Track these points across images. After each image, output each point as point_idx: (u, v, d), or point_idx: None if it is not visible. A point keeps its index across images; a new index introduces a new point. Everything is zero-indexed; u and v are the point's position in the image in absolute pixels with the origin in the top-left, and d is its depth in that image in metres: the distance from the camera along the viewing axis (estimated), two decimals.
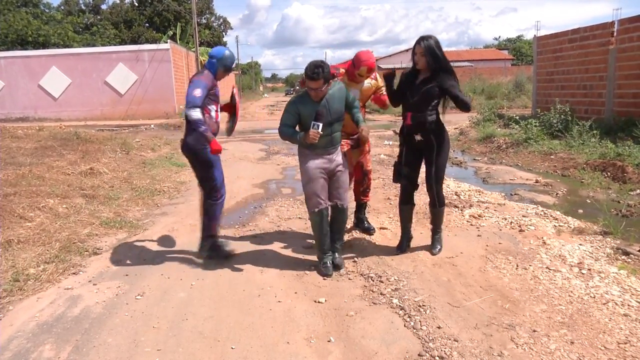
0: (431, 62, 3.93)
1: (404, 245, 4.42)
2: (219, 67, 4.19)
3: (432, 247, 4.39)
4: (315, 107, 3.77)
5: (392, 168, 4.38)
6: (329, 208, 4.00)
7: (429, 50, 3.91)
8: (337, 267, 4.08)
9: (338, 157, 3.97)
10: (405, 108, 4.12)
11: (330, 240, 4.06)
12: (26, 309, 3.52)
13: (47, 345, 3.04)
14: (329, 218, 4.03)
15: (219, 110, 4.32)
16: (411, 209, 4.43)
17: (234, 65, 4.25)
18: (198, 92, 3.98)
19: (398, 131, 4.39)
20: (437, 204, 4.25)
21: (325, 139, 3.83)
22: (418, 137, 4.09)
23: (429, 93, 3.98)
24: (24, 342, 3.07)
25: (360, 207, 5.00)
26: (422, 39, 3.96)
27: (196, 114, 3.95)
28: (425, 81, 4.01)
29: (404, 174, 4.22)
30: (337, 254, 4.13)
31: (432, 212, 4.35)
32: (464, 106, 3.94)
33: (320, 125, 3.71)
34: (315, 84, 3.66)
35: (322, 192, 3.92)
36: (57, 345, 3.03)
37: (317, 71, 3.63)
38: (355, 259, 4.30)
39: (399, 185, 4.43)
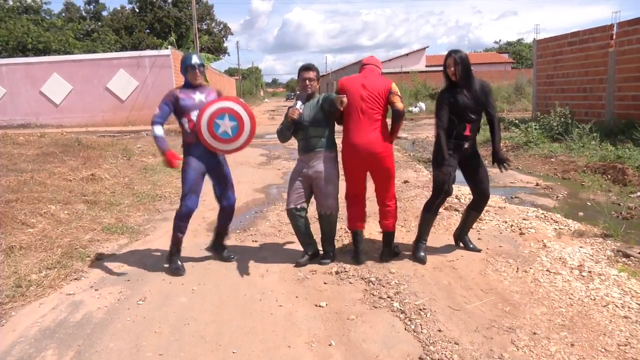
0: (465, 71, 4.04)
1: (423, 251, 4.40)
2: (182, 72, 4.29)
3: (468, 246, 4.53)
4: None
5: (437, 177, 4.18)
6: (299, 209, 4.29)
7: (464, 61, 4.04)
8: (322, 264, 4.34)
9: (317, 165, 4.21)
10: (464, 120, 4.09)
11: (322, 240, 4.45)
12: (28, 315, 3.53)
13: (50, 350, 3.05)
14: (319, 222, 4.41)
15: (193, 119, 4.16)
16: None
17: (193, 62, 4.20)
18: (156, 110, 4.16)
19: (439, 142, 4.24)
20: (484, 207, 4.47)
21: (302, 142, 4.26)
22: (466, 145, 4.17)
23: (481, 105, 4.12)
24: (27, 348, 3.08)
25: (386, 238, 4.42)
26: (450, 53, 4.09)
27: (155, 130, 4.16)
28: (472, 92, 4.08)
29: (452, 178, 4.18)
30: (327, 257, 4.40)
31: (475, 216, 4.49)
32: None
33: (299, 103, 4.13)
34: (310, 73, 4.25)
35: (292, 193, 4.31)
36: (60, 350, 3.05)
37: (311, 65, 4.31)
38: (356, 262, 4.31)
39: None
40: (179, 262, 4.31)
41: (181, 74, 4.32)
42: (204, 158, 4.25)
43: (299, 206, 4.29)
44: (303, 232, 4.39)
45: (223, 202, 4.43)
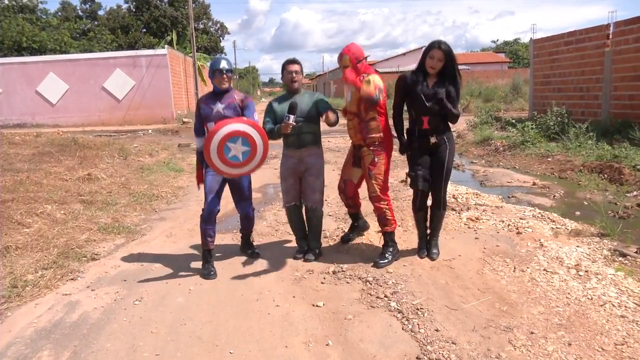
0: (448, 65, 3.91)
1: (424, 249, 4.40)
2: (210, 76, 4.17)
3: (429, 252, 4.36)
4: (287, 102, 4.14)
5: (405, 175, 4.30)
6: (299, 206, 4.45)
7: (450, 55, 3.87)
8: (306, 260, 4.40)
9: (308, 159, 4.30)
10: (421, 112, 4.04)
11: (309, 237, 4.53)
12: (24, 315, 3.52)
13: (46, 351, 3.04)
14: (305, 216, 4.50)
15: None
16: (427, 214, 4.37)
17: (220, 66, 4.05)
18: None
19: (399, 136, 4.34)
20: (443, 206, 4.27)
21: (293, 137, 4.24)
22: (433, 140, 4.08)
23: (444, 98, 3.96)
24: (23, 349, 3.07)
25: (385, 239, 4.39)
26: (441, 42, 3.88)
27: (196, 142, 4.15)
28: (438, 85, 3.96)
29: (423, 176, 4.14)
30: (312, 253, 4.44)
31: (436, 215, 4.33)
32: (453, 118, 4.08)
33: (291, 117, 3.96)
34: (294, 66, 4.24)
35: (290, 191, 4.39)
36: (56, 351, 3.03)
37: (295, 58, 4.30)
38: (353, 262, 4.31)
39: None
40: (212, 267, 4.20)
41: (209, 77, 4.24)
42: None
43: (298, 203, 4.44)
44: (300, 228, 4.54)
45: (239, 210, 4.52)
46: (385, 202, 4.26)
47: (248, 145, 3.82)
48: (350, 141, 4.47)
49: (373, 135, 4.19)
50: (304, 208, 4.47)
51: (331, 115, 4.18)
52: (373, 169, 4.23)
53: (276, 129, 4.15)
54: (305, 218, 4.51)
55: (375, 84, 3.98)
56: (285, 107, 4.13)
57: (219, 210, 4.22)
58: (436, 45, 3.87)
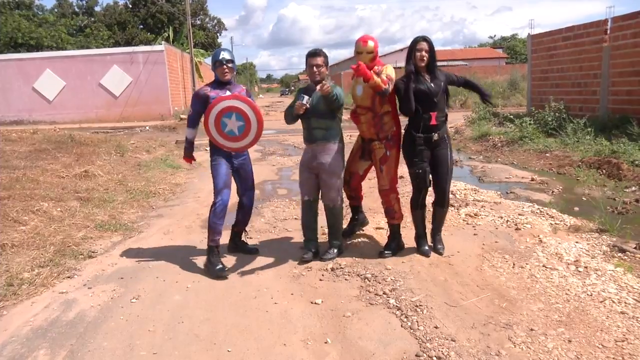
0: (433, 59, 4.01)
1: (427, 246, 4.35)
2: (212, 68, 4.25)
3: (435, 247, 4.34)
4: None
5: (415, 175, 4.17)
6: (311, 201, 4.31)
7: (432, 48, 4.01)
8: (321, 259, 4.28)
9: (321, 156, 4.15)
10: (428, 109, 4.01)
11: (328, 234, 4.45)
12: (20, 314, 3.49)
13: (42, 350, 3.01)
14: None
15: None
16: (425, 211, 4.36)
17: (221, 57, 4.10)
18: (189, 111, 4.19)
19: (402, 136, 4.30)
20: (447, 203, 4.30)
21: (305, 132, 4.23)
22: (436, 136, 4.07)
23: (445, 91, 4.07)
24: (18, 348, 3.04)
25: (392, 230, 4.43)
26: (424, 36, 4.03)
27: (186, 132, 4.16)
28: (436, 80, 4.03)
29: (430, 173, 4.13)
30: (333, 250, 4.33)
31: (439, 212, 4.33)
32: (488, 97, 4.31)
33: (306, 97, 4.00)
34: (316, 60, 4.08)
35: (304, 184, 4.31)
36: (52, 350, 3.01)
37: (317, 50, 4.14)
38: (352, 259, 4.28)
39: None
40: (221, 264, 4.13)
41: (212, 70, 4.26)
42: (232, 157, 4.22)
43: (312, 198, 4.30)
44: (310, 227, 4.37)
45: (244, 200, 4.46)
46: (395, 196, 4.34)
47: (242, 119, 4.08)
48: (356, 136, 4.46)
49: (387, 129, 4.23)
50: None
51: (325, 86, 3.87)
52: (385, 163, 4.26)
53: (291, 108, 4.15)
54: (325, 215, 4.34)
55: (388, 75, 4.01)
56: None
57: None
58: (420, 38, 4.04)
